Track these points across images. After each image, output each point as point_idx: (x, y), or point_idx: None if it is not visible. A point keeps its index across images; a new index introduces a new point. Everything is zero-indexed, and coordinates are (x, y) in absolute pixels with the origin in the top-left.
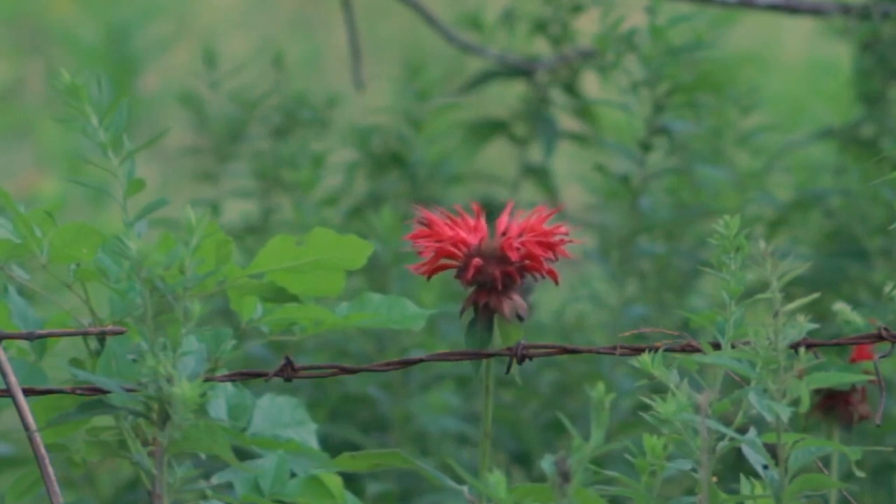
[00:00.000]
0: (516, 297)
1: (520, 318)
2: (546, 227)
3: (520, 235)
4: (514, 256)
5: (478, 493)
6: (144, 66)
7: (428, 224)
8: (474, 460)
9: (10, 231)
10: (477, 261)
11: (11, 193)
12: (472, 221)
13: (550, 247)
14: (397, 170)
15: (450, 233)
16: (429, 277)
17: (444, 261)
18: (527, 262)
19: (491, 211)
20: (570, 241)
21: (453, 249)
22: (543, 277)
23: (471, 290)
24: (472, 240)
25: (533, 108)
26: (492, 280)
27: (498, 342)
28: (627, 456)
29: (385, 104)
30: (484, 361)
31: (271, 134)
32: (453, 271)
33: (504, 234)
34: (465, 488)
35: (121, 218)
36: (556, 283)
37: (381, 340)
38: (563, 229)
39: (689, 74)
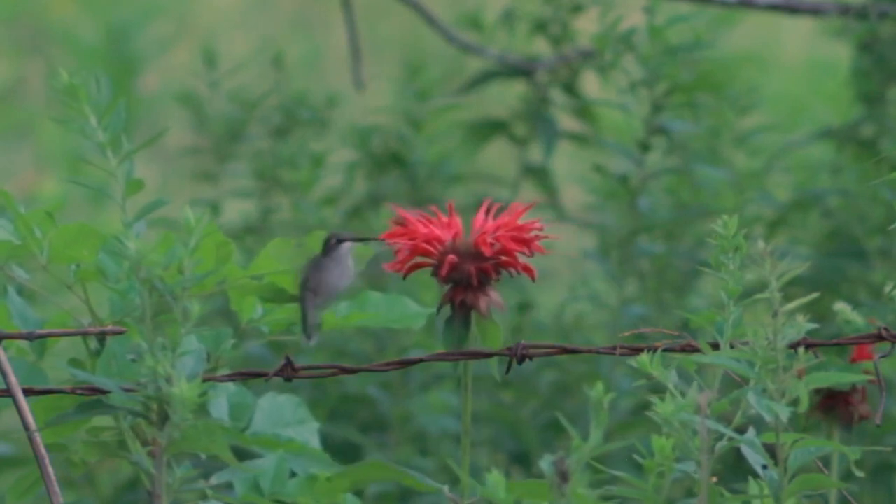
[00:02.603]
0: (493, 294)
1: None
2: (520, 222)
3: (494, 232)
4: (487, 252)
5: (460, 493)
6: (144, 66)
7: (403, 222)
8: (474, 460)
9: (11, 232)
10: (451, 258)
11: (11, 193)
12: (445, 219)
13: (525, 242)
14: (397, 170)
15: (424, 230)
16: (405, 276)
17: (419, 259)
18: (502, 257)
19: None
20: (545, 237)
21: (428, 247)
22: (519, 273)
23: (447, 287)
24: (447, 237)
25: (533, 108)
26: (467, 277)
27: (476, 339)
28: (633, 456)
29: (385, 104)
30: (462, 360)
31: (271, 134)
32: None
33: (479, 230)
34: (444, 487)
35: (120, 218)
36: (533, 278)
37: (380, 340)
38: (537, 224)
39: (688, 74)
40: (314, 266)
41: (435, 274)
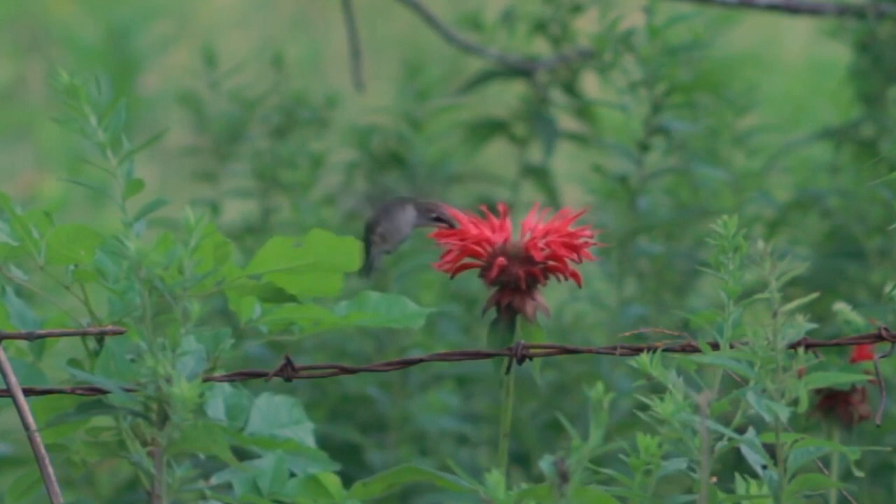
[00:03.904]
0: (539, 298)
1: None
2: (571, 228)
3: (545, 236)
4: (538, 257)
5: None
6: (144, 66)
7: (454, 222)
8: (473, 460)
9: (8, 233)
10: (501, 260)
11: (11, 194)
12: (496, 221)
13: (575, 248)
14: (397, 170)
15: (475, 231)
16: (452, 276)
17: (467, 260)
18: (551, 262)
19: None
20: (595, 244)
21: (477, 248)
22: (567, 279)
23: (494, 289)
24: (497, 239)
25: (533, 108)
26: (515, 280)
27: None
28: (623, 456)
29: (385, 104)
30: (505, 361)
31: (271, 134)
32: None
33: (529, 234)
34: (480, 489)
35: (120, 218)
36: (580, 285)
37: (380, 340)
38: (587, 232)
39: (688, 74)
40: (387, 211)
41: (483, 276)
